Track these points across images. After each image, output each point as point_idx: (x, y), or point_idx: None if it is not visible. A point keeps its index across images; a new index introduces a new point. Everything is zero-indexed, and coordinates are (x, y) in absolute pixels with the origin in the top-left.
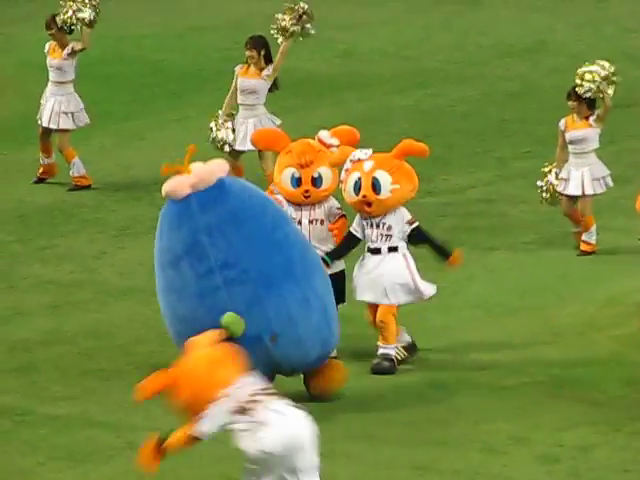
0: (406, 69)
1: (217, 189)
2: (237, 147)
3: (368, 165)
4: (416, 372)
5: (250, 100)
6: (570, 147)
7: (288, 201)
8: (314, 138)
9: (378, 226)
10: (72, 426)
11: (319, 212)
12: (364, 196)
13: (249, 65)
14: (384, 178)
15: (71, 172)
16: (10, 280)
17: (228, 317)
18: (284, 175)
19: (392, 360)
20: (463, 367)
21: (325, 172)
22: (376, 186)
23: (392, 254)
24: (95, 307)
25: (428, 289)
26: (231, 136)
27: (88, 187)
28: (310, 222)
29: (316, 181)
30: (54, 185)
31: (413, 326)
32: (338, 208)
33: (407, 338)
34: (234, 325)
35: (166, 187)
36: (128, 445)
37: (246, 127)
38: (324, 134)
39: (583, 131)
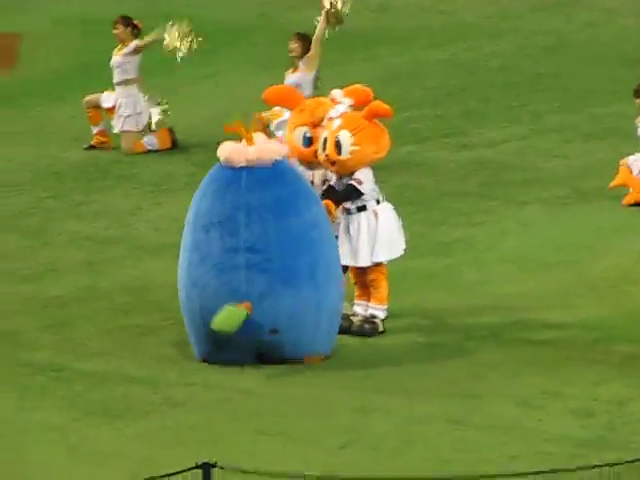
0: (441, 23)
1: (270, 172)
2: None
3: (335, 124)
4: (451, 327)
5: None
6: None
7: (299, 160)
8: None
9: (340, 186)
10: (108, 382)
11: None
12: (326, 155)
13: (294, 62)
14: (345, 139)
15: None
16: (45, 237)
17: (220, 323)
18: (295, 134)
19: (374, 322)
20: (498, 322)
21: (341, 134)
22: (337, 146)
23: (361, 213)
24: (130, 263)
25: (387, 252)
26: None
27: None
28: (322, 183)
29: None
30: (89, 141)
31: (447, 281)
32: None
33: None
34: (224, 329)
35: (224, 152)
36: (164, 401)
37: None
38: (337, 93)
39: None
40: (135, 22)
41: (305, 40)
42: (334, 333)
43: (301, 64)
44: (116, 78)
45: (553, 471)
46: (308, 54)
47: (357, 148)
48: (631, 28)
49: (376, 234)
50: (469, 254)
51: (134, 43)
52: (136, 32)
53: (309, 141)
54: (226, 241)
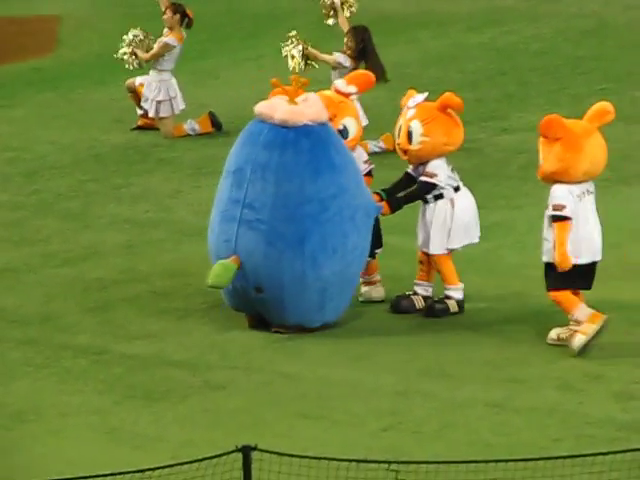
0: (480, 7)
1: (289, 134)
2: None
3: (410, 113)
4: (492, 310)
5: None
6: None
7: None
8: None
9: (421, 175)
10: (148, 365)
11: None
12: (398, 144)
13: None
14: (416, 129)
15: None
16: (86, 219)
17: (213, 278)
18: None
19: (446, 303)
20: (539, 305)
21: (349, 123)
22: (409, 136)
23: (438, 202)
24: (170, 246)
25: (461, 239)
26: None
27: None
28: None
29: (342, 133)
30: (129, 124)
31: (489, 265)
32: (365, 161)
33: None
34: (216, 284)
35: (258, 106)
36: (204, 384)
37: None
38: (340, 84)
39: None
40: (187, 11)
41: (357, 35)
42: (328, 307)
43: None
44: (153, 63)
45: (594, 454)
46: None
47: (427, 139)
48: None
49: (452, 222)
50: (509, 237)
51: (164, 41)
52: (187, 21)
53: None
54: (233, 191)
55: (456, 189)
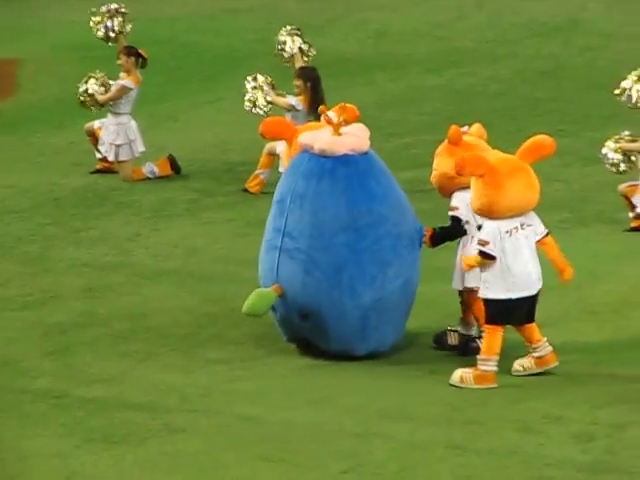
0: (439, 49)
1: (327, 163)
2: None
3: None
4: (452, 354)
5: None
6: None
7: None
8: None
9: None
10: (108, 408)
11: None
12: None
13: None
14: (435, 162)
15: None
16: (45, 263)
17: (248, 307)
18: None
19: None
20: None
21: None
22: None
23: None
24: (130, 289)
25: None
26: (263, 102)
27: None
28: None
29: None
30: (88, 168)
31: (434, 308)
32: None
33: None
34: (253, 312)
35: (301, 137)
36: (164, 427)
37: None
38: (333, 115)
39: None
40: (140, 51)
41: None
42: (372, 337)
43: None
44: (110, 107)
45: None
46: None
47: (435, 172)
48: (629, 52)
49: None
50: None
51: (121, 84)
52: (141, 61)
53: None
54: (276, 220)
55: (479, 228)
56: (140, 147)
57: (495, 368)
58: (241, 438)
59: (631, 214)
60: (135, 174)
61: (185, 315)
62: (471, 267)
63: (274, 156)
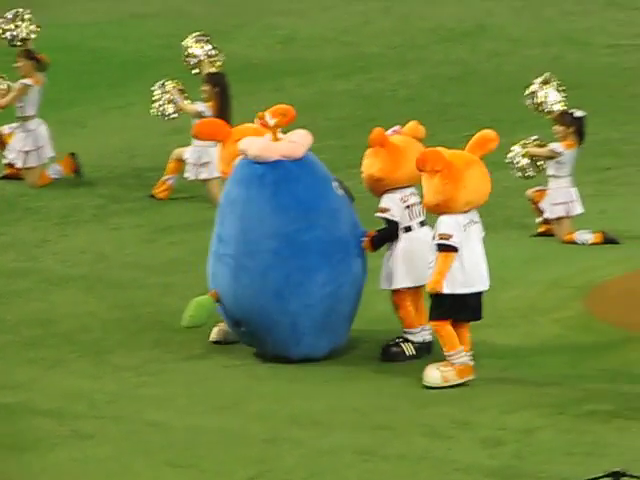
0: (346, 54)
1: (258, 169)
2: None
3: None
4: (362, 358)
5: None
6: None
7: None
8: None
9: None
10: (15, 415)
11: None
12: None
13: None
14: (364, 163)
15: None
16: None
17: (186, 319)
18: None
19: (401, 346)
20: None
21: None
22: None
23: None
24: (38, 295)
25: (405, 280)
26: (171, 110)
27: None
28: None
29: None
30: None
31: (361, 312)
32: None
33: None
34: (192, 324)
35: (239, 143)
36: (72, 433)
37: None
38: (268, 117)
39: None
40: (38, 56)
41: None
42: (305, 342)
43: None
44: (17, 112)
45: None
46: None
47: (362, 174)
48: (535, 58)
49: (393, 260)
50: (377, 284)
51: (20, 82)
52: (40, 66)
53: None
54: (216, 227)
55: (407, 229)
56: (49, 152)
57: (467, 358)
58: (149, 444)
59: (538, 219)
60: (40, 180)
61: (93, 321)
62: (440, 283)
63: (182, 162)
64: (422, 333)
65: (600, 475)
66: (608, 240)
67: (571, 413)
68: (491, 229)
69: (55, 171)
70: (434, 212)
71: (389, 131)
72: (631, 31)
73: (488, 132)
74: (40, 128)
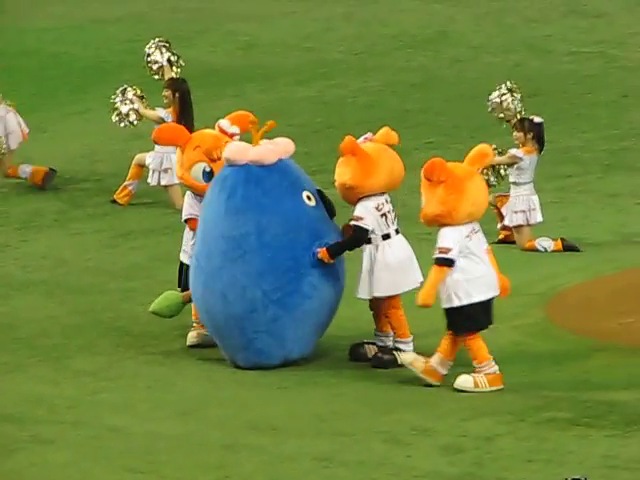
0: (308, 60)
1: (225, 172)
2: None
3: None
4: (320, 365)
5: None
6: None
7: (200, 195)
8: (214, 128)
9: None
10: None
11: None
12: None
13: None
14: (337, 172)
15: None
16: None
17: (151, 307)
18: (195, 171)
19: (393, 354)
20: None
21: None
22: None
23: (367, 246)
24: None
25: (388, 288)
26: (133, 116)
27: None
28: None
29: None
30: None
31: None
32: None
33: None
34: (156, 310)
35: (226, 150)
36: (32, 438)
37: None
38: (225, 124)
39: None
40: None
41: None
42: (252, 349)
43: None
44: None
45: None
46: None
47: (336, 183)
48: (497, 65)
49: (375, 269)
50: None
51: None
52: None
53: (209, 176)
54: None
55: (385, 237)
56: (18, 139)
57: (497, 368)
58: (108, 449)
59: (499, 225)
60: (11, 171)
61: (53, 326)
62: (432, 297)
63: (143, 167)
64: (390, 339)
65: None
66: (568, 247)
67: (531, 420)
68: None
69: (24, 171)
70: (432, 224)
71: (360, 139)
72: (592, 38)
73: (485, 147)
74: (8, 115)
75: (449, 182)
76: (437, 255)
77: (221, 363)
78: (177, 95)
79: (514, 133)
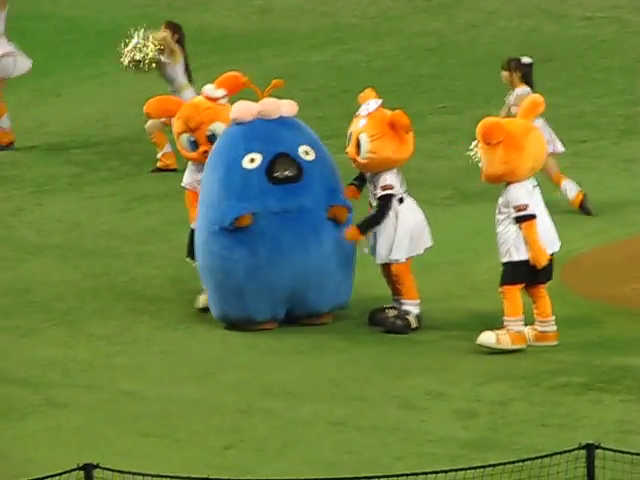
0: (322, 25)
1: (233, 129)
2: None
3: (361, 123)
4: (333, 329)
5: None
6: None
7: (195, 165)
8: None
9: (370, 183)
10: None
11: None
12: (346, 152)
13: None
14: (364, 143)
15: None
16: None
17: None
18: (181, 141)
19: (407, 319)
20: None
21: (219, 127)
22: (358, 146)
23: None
24: (12, 264)
25: (406, 250)
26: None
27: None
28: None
29: (210, 139)
30: None
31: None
32: None
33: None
34: None
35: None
36: (46, 402)
37: None
38: (209, 89)
39: None
40: None
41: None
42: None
43: (164, 58)
44: None
45: (436, 472)
46: (170, 47)
47: (374, 155)
48: (512, 30)
49: (395, 233)
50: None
51: None
52: None
53: (194, 145)
54: None
55: (400, 200)
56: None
57: (524, 328)
58: (122, 413)
59: None
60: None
61: (68, 290)
62: (544, 253)
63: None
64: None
65: (573, 448)
66: (583, 207)
67: (545, 385)
68: (466, 201)
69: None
70: (496, 182)
71: (372, 105)
72: (607, 3)
73: (536, 96)
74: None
75: (508, 141)
76: (517, 214)
77: (235, 328)
78: (176, 37)
79: (502, 73)
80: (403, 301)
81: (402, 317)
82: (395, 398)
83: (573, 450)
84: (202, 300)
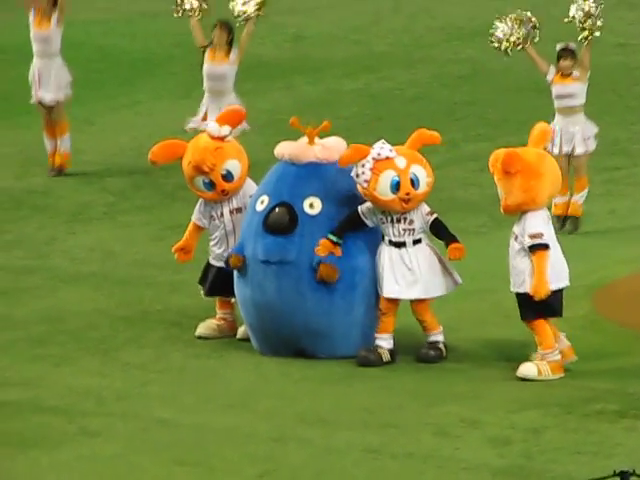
0: (355, 53)
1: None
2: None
3: (402, 162)
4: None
5: (218, 86)
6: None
7: (207, 202)
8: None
9: (400, 221)
10: (23, 412)
11: (236, 202)
12: (407, 194)
13: (215, 50)
14: (421, 173)
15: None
16: None
17: None
18: (196, 183)
19: (440, 349)
20: (415, 350)
21: (232, 165)
22: (414, 182)
23: (417, 246)
24: (46, 293)
25: (456, 276)
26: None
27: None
28: (231, 213)
29: (226, 177)
30: (2, 171)
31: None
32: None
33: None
34: None
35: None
36: (80, 430)
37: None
38: (213, 128)
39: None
40: None
41: (229, 30)
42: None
43: (232, 55)
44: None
45: None
46: (239, 47)
47: (430, 180)
48: (545, 56)
49: (433, 266)
50: None
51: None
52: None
53: (210, 185)
54: None
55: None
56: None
57: (560, 357)
58: (156, 442)
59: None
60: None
61: (101, 318)
62: (547, 285)
63: None
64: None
65: (608, 475)
66: (566, 222)
67: (578, 413)
68: (499, 228)
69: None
70: (515, 212)
71: (385, 149)
72: None
73: (543, 125)
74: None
75: (526, 170)
76: (533, 242)
77: (268, 356)
78: (231, 37)
79: (562, 62)
80: (432, 333)
81: (435, 347)
82: (429, 425)
83: (607, 477)
84: (241, 331)
